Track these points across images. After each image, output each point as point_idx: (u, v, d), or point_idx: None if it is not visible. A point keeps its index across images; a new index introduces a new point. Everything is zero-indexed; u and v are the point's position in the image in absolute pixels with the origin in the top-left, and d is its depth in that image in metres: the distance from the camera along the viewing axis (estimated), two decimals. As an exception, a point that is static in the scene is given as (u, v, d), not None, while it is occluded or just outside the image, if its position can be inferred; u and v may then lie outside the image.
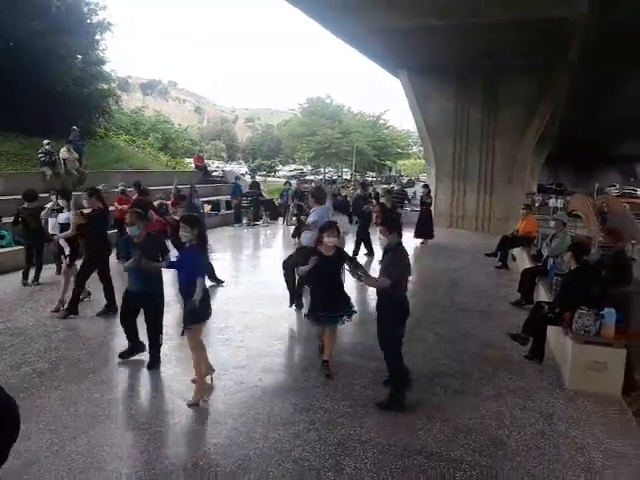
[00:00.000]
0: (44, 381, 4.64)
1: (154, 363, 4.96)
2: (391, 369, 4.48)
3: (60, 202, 7.15)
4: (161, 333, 5.04)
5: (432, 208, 14.26)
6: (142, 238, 4.97)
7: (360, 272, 4.61)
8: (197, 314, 4.27)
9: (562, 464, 3.63)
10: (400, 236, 4.67)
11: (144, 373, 4.92)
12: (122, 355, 5.11)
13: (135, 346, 5.15)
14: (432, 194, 17.90)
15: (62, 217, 7.02)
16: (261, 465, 3.50)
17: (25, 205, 7.91)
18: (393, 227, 4.47)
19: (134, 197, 9.93)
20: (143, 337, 5.15)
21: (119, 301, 5.46)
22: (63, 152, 12.63)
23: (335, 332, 5.04)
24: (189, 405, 4.24)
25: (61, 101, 15.66)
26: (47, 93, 14.94)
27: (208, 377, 4.60)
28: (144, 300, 4.96)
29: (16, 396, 4.16)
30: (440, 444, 3.83)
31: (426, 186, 15.00)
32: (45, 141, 12.50)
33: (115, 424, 3.99)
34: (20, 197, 8.30)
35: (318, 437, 3.87)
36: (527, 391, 4.77)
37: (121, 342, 5.32)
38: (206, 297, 4.37)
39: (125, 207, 9.17)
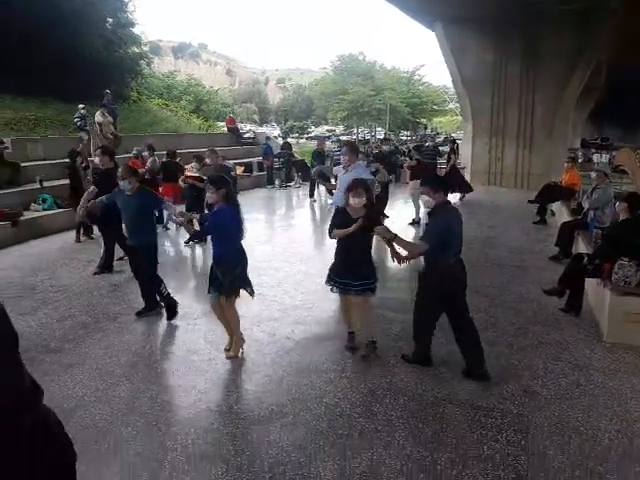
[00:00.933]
0: (88, 333, 4.88)
1: (145, 310, 5.24)
2: (415, 340, 4.25)
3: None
4: (159, 284, 5.23)
5: (462, 164, 13.58)
6: (134, 192, 5.08)
7: (390, 236, 4.00)
8: (234, 285, 4.27)
9: (598, 413, 3.58)
10: (446, 194, 4.12)
11: (183, 326, 5.09)
12: (138, 313, 5.28)
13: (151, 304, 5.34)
14: (469, 151, 17.51)
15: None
16: (293, 410, 3.60)
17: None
18: (438, 184, 4.05)
19: (149, 160, 9.83)
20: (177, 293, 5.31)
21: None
22: (97, 116, 12.82)
23: (364, 304, 4.36)
24: (228, 358, 4.37)
25: (93, 65, 15.79)
26: (79, 57, 15.09)
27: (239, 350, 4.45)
28: (136, 253, 5.23)
29: (63, 346, 4.48)
30: (471, 393, 3.84)
31: (453, 141, 14.37)
32: (80, 105, 12.71)
33: (154, 373, 4.17)
34: (61, 161, 8.52)
35: (349, 385, 3.95)
36: (562, 343, 4.69)
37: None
38: (239, 266, 4.28)
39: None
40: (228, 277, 4.22)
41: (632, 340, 4.59)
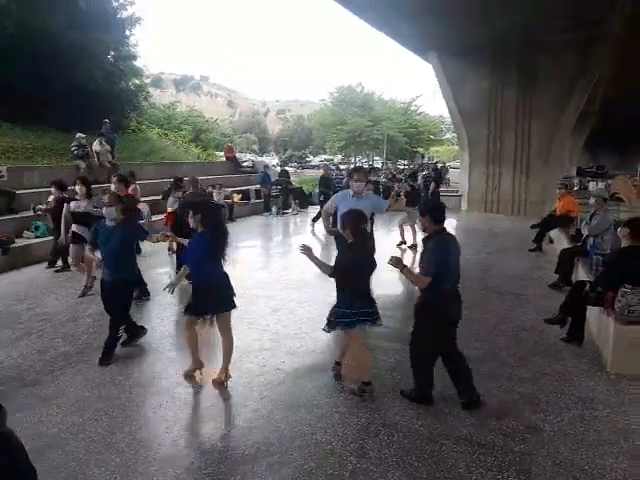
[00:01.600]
0: (69, 364, 4.67)
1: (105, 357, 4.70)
2: (414, 380, 4.01)
3: (77, 188, 6.86)
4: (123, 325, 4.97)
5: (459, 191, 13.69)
6: (118, 223, 4.89)
7: (400, 267, 3.81)
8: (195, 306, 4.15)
9: (603, 450, 3.37)
10: (438, 223, 3.87)
11: (169, 358, 4.88)
12: (123, 343, 5.01)
13: (133, 332, 5.14)
14: (466, 179, 17.53)
15: (74, 205, 6.88)
16: (281, 448, 3.39)
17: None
18: (432, 215, 3.83)
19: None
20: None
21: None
22: (95, 145, 12.86)
23: (355, 339, 4.07)
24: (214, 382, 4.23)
25: (93, 97, 15.87)
26: (79, 89, 15.15)
27: (197, 373, 4.37)
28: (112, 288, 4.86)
29: (41, 378, 4.28)
30: (470, 429, 3.62)
31: (435, 169, 14.63)
32: (78, 134, 12.72)
33: (136, 407, 3.95)
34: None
35: (341, 420, 3.73)
36: (565, 375, 4.49)
37: (147, 328, 5.32)
38: (203, 290, 4.12)
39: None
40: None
41: (637, 370, 4.40)
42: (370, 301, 4.02)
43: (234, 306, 4.24)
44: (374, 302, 4.05)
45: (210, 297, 4.11)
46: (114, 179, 7.53)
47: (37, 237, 9.41)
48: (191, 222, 4.11)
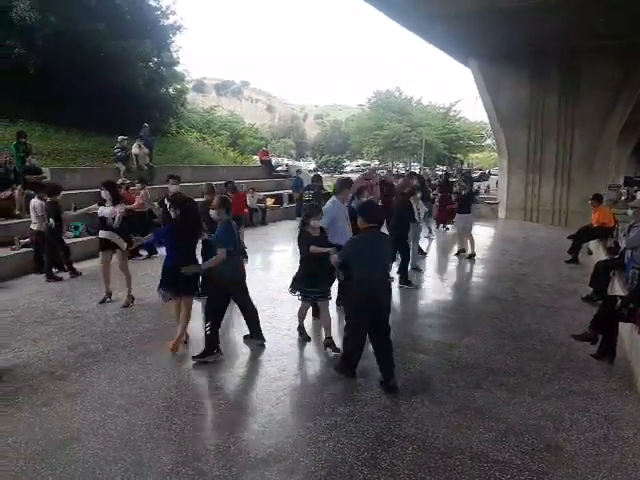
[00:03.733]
0: (96, 361, 4.82)
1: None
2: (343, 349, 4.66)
3: (103, 194, 6.67)
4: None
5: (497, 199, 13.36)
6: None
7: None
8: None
9: (626, 473, 3.22)
10: (371, 221, 4.43)
11: (190, 359, 4.96)
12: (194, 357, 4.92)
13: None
14: (504, 186, 17.12)
15: (105, 211, 6.62)
16: (292, 454, 3.39)
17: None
18: (364, 216, 4.46)
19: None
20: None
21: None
22: (134, 148, 13.26)
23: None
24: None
25: (134, 101, 16.43)
26: (121, 94, 15.71)
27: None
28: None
29: (69, 374, 4.44)
30: (487, 444, 3.53)
31: (446, 173, 14.30)
32: (120, 137, 13.17)
33: (155, 406, 4.03)
34: (96, 190, 8.71)
35: (356, 429, 3.71)
36: (592, 393, 4.32)
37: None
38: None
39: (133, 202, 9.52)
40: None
41: (671, 392, 4.19)
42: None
43: None
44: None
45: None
46: (171, 180, 7.94)
47: (75, 237, 9.78)
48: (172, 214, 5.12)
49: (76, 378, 4.47)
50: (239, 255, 5.36)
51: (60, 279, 7.93)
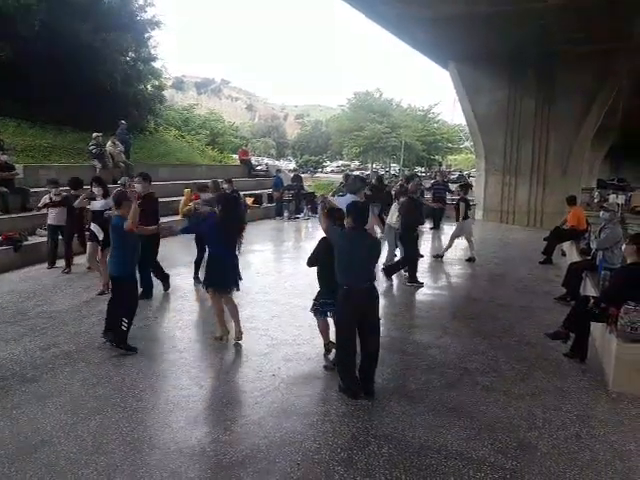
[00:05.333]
0: (69, 362, 4.73)
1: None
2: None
3: (95, 190, 7.25)
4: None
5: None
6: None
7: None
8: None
9: (597, 471, 3.29)
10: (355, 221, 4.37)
11: (166, 359, 4.92)
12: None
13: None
14: (481, 188, 17.33)
15: (96, 205, 7.17)
16: (269, 455, 3.38)
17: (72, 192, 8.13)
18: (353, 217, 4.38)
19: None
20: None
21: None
22: (108, 146, 13.05)
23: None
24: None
25: (111, 97, 16.11)
26: (97, 89, 15.42)
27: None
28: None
29: (41, 376, 4.34)
30: (461, 443, 3.57)
31: (412, 177, 14.07)
32: (95, 134, 12.93)
33: (130, 407, 3.97)
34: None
35: (332, 429, 3.72)
36: (564, 391, 4.41)
37: (149, 329, 5.36)
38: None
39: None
40: None
41: (639, 390, 4.30)
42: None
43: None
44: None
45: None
46: (137, 178, 7.35)
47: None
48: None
49: (48, 380, 4.37)
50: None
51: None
